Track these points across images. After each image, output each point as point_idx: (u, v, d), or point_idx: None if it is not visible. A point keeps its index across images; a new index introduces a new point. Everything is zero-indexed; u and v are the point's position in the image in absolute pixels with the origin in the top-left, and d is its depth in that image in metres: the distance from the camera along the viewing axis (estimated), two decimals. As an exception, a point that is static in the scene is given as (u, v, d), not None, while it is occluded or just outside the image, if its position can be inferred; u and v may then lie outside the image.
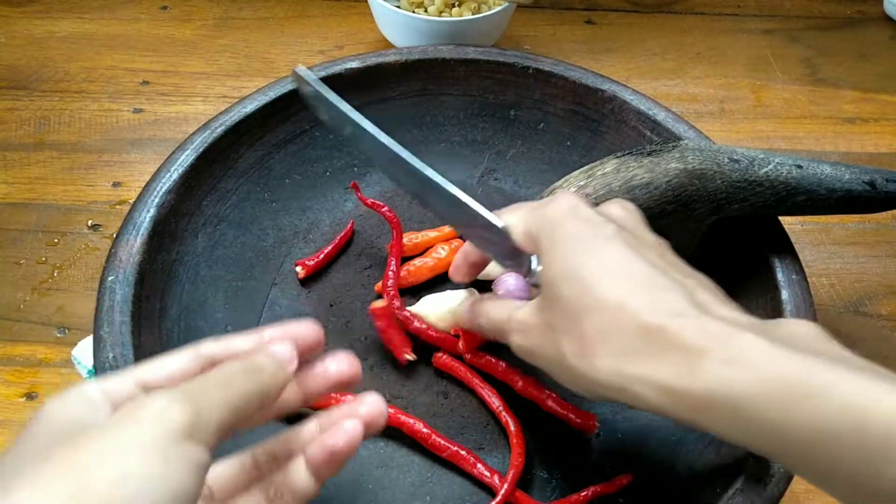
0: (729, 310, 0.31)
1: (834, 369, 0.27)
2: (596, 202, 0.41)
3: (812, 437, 0.26)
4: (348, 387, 0.32)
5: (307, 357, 0.31)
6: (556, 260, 0.33)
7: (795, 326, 0.30)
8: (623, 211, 0.37)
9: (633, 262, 0.32)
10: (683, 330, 0.29)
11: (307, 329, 0.31)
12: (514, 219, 0.37)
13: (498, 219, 0.37)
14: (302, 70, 0.40)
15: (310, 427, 0.32)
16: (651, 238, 0.36)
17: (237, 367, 0.27)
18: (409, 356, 0.44)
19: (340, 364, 0.32)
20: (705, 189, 0.42)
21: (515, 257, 0.37)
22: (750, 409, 0.27)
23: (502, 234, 0.36)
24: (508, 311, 0.36)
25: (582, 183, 0.42)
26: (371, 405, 0.31)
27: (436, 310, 0.45)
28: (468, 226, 0.38)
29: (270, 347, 0.30)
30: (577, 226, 0.34)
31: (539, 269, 0.35)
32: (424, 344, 0.45)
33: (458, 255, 0.41)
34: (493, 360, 0.44)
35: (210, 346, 0.29)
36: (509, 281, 0.41)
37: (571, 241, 0.33)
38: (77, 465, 0.22)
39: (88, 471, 0.21)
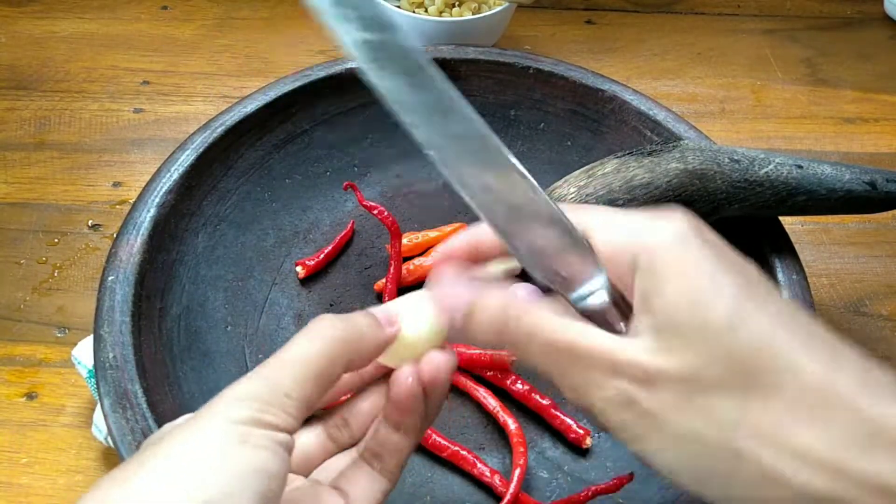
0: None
1: None
2: (597, 202, 0.41)
3: None
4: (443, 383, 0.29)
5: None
6: (683, 287, 0.23)
7: None
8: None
9: (805, 321, 0.24)
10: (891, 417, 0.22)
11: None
12: (592, 220, 0.27)
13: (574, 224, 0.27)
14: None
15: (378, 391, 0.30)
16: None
17: (320, 329, 0.27)
18: None
19: (442, 356, 0.28)
20: (706, 189, 0.42)
21: (572, 278, 0.26)
22: None
23: (579, 246, 0.26)
24: (590, 339, 0.25)
25: (582, 183, 0.42)
26: (430, 358, 0.28)
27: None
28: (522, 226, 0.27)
29: (373, 309, 0.28)
30: (707, 250, 0.24)
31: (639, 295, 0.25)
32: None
33: (454, 240, 0.30)
34: (487, 358, 0.44)
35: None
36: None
37: (706, 269, 0.24)
38: (157, 469, 0.22)
39: (169, 469, 0.22)
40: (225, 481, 0.22)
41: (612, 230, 0.26)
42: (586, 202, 0.41)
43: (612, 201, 0.41)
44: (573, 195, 0.42)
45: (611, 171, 0.42)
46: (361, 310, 0.29)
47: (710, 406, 0.22)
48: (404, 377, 0.28)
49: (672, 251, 0.24)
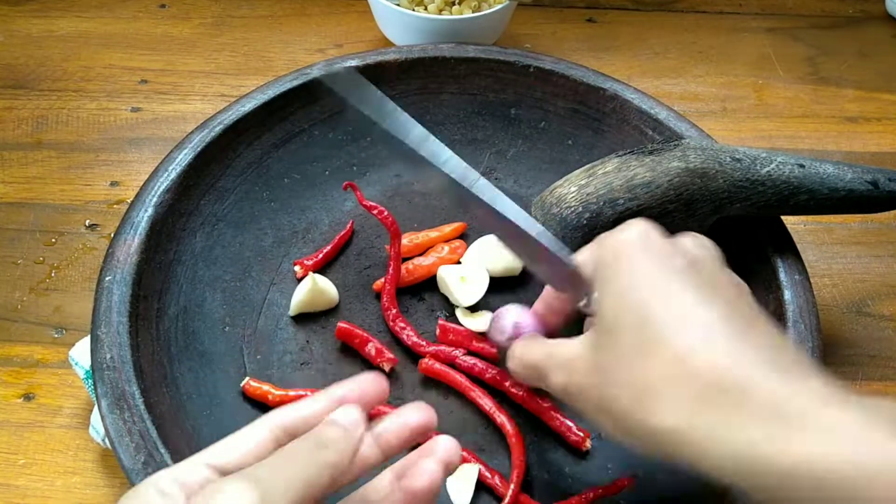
0: (816, 374, 0.27)
1: None
2: (598, 201, 0.41)
3: None
4: (426, 435, 0.31)
5: (372, 408, 0.31)
6: (617, 293, 0.30)
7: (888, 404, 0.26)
8: (699, 248, 0.33)
9: (707, 306, 0.28)
10: (770, 390, 0.26)
11: (374, 383, 0.30)
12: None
13: (566, 254, 0.34)
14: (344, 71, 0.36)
15: (384, 477, 0.31)
16: (726, 279, 0.32)
17: (303, 446, 0.27)
18: (386, 365, 0.44)
19: (419, 413, 0.31)
20: (707, 188, 0.42)
21: (573, 286, 0.34)
22: (846, 490, 0.23)
23: (564, 263, 0.34)
24: (548, 349, 0.34)
25: (583, 182, 0.42)
26: (446, 445, 0.30)
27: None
28: (530, 254, 0.35)
29: (335, 413, 0.29)
30: (643, 257, 0.30)
31: (594, 298, 0.32)
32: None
33: (538, 305, 0.38)
34: (483, 365, 0.44)
35: (279, 416, 0.29)
36: (512, 313, 0.38)
37: (637, 274, 0.30)
38: None
39: None
40: None
41: (582, 254, 0.34)
42: (587, 201, 0.41)
43: (613, 200, 0.41)
44: (574, 194, 0.42)
45: (612, 169, 0.42)
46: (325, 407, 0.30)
47: (609, 385, 0.30)
48: (432, 467, 0.30)
49: (615, 263, 0.31)
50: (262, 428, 0.28)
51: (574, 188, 0.42)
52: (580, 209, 0.41)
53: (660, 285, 0.29)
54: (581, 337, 0.32)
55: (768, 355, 0.27)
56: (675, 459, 0.27)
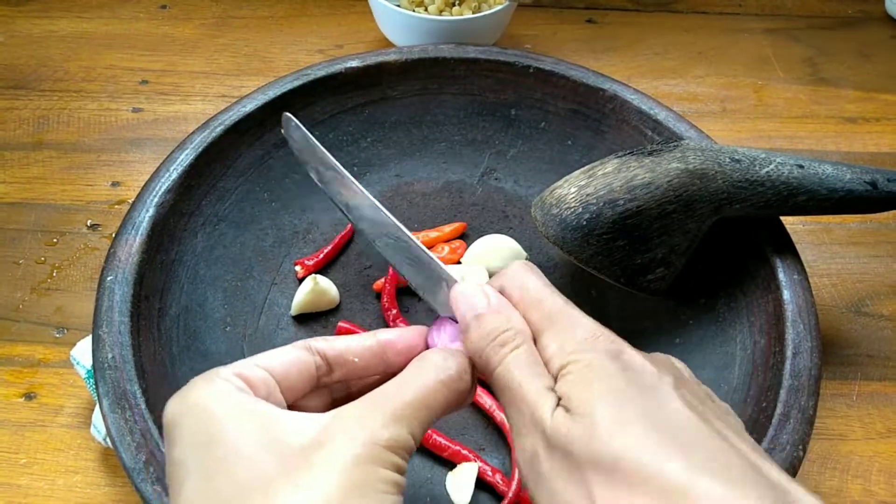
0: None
1: None
2: (598, 202, 0.41)
3: None
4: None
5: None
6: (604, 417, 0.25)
7: None
8: (673, 362, 0.29)
9: (688, 435, 0.24)
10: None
11: (419, 337, 0.31)
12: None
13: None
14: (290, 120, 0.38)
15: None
16: (710, 399, 0.28)
17: (442, 384, 0.27)
18: None
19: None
20: (706, 189, 0.42)
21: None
22: None
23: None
24: (533, 399, 0.27)
25: (583, 183, 0.42)
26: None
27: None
28: (440, 297, 0.33)
29: (461, 360, 0.29)
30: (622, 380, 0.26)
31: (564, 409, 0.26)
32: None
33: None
34: None
35: (320, 344, 0.29)
36: (447, 331, 0.35)
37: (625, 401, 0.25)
38: None
39: None
40: None
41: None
42: (587, 202, 0.41)
43: (612, 201, 0.41)
44: (573, 195, 0.42)
45: (611, 170, 0.42)
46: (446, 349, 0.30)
47: (580, 482, 0.24)
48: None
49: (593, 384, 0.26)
50: (302, 349, 0.29)
51: (574, 189, 0.42)
52: (580, 210, 0.41)
53: (636, 403, 0.25)
54: (554, 398, 0.27)
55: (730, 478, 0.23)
56: None
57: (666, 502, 0.22)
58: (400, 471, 0.25)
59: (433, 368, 0.28)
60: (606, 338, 0.27)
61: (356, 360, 0.30)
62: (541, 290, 0.29)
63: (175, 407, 0.25)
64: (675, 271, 0.44)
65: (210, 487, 0.23)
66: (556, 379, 0.27)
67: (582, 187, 0.42)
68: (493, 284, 0.31)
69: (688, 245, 0.43)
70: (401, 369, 0.29)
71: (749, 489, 0.22)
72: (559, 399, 0.26)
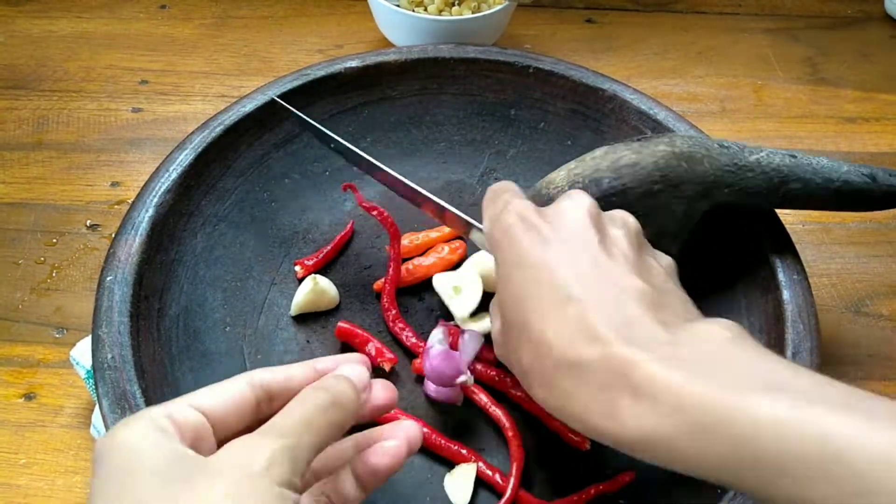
0: (652, 324, 0.29)
1: (731, 391, 0.25)
2: (584, 180, 0.41)
3: (731, 466, 0.25)
4: (386, 412, 0.34)
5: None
6: (502, 282, 0.33)
7: (707, 331, 0.28)
8: (613, 225, 0.34)
9: (561, 277, 0.30)
10: (593, 363, 0.28)
11: (354, 364, 0.32)
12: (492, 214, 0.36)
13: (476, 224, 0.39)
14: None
15: (347, 444, 0.33)
16: (634, 256, 0.33)
17: (324, 401, 0.28)
18: (386, 365, 0.44)
19: (386, 391, 0.33)
20: (693, 171, 0.41)
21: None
22: (672, 447, 0.26)
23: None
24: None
25: (572, 166, 0.42)
26: (409, 430, 0.32)
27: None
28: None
29: (347, 370, 0.31)
30: (518, 243, 0.32)
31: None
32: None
33: None
34: (483, 366, 0.44)
35: (261, 375, 0.29)
36: (435, 348, 0.42)
37: (513, 264, 0.32)
38: None
39: None
40: None
41: (490, 222, 0.36)
42: (574, 181, 0.42)
43: (598, 180, 0.41)
44: (563, 176, 0.42)
45: (599, 154, 0.42)
46: (334, 370, 0.32)
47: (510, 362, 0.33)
48: (394, 446, 0.32)
49: (501, 253, 0.34)
50: (243, 383, 0.29)
51: (563, 172, 0.42)
52: (566, 188, 0.41)
53: (530, 266, 0.31)
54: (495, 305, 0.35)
55: (606, 311, 0.29)
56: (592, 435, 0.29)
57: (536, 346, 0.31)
58: (293, 487, 0.25)
59: (312, 394, 0.29)
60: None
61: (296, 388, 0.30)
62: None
63: (100, 443, 0.26)
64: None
65: None
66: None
67: (571, 169, 0.42)
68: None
69: (676, 229, 0.43)
70: None
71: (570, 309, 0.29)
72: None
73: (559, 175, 0.42)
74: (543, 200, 0.42)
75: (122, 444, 0.25)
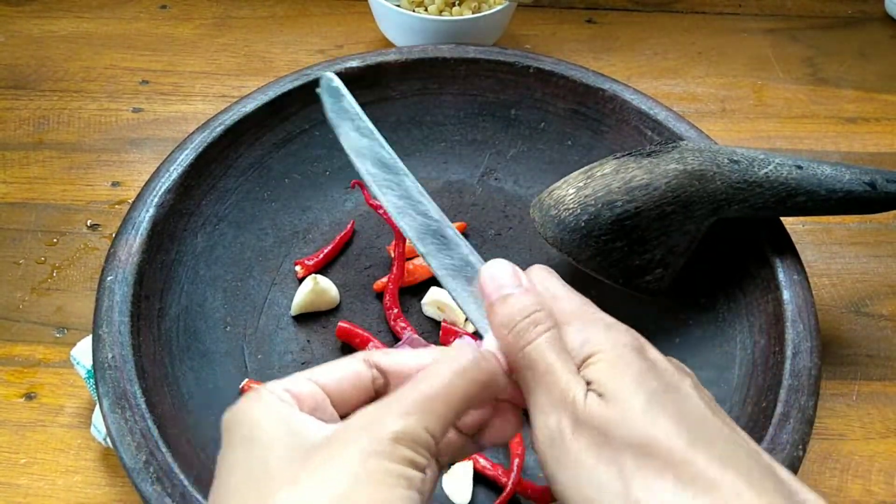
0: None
1: None
2: (596, 203, 0.41)
3: None
4: None
5: None
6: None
7: None
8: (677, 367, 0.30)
9: (713, 425, 0.27)
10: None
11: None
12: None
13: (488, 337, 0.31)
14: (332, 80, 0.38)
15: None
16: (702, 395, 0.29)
17: (456, 375, 0.27)
18: None
19: None
20: (705, 190, 0.42)
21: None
22: None
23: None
24: (564, 380, 0.28)
25: (581, 184, 0.42)
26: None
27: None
28: (466, 288, 0.34)
29: (480, 352, 0.29)
30: (639, 367, 0.28)
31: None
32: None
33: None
34: None
35: (379, 356, 0.29)
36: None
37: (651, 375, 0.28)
38: (328, 491, 0.23)
39: (338, 497, 0.23)
40: None
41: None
42: (585, 203, 0.41)
43: (611, 203, 0.41)
44: (572, 196, 0.42)
45: (609, 172, 0.42)
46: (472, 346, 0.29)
47: (612, 460, 0.26)
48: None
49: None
50: (359, 360, 0.29)
51: (572, 190, 0.42)
52: (578, 211, 0.41)
53: (668, 393, 0.27)
54: (584, 381, 0.28)
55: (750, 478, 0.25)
56: None
57: (694, 488, 0.24)
58: (415, 466, 0.25)
59: (447, 361, 0.27)
60: (630, 334, 0.29)
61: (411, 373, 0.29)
62: (562, 288, 0.31)
63: (227, 416, 0.27)
64: (674, 272, 0.44)
65: (243, 479, 0.25)
66: (579, 368, 0.28)
67: (580, 188, 0.42)
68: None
69: (686, 246, 0.43)
70: None
71: (767, 485, 0.25)
72: (588, 383, 0.28)
73: (567, 193, 0.42)
74: (553, 220, 0.42)
75: (245, 415, 0.26)
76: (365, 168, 0.36)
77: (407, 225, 0.34)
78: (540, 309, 0.29)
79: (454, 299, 0.33)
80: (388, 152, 0.36)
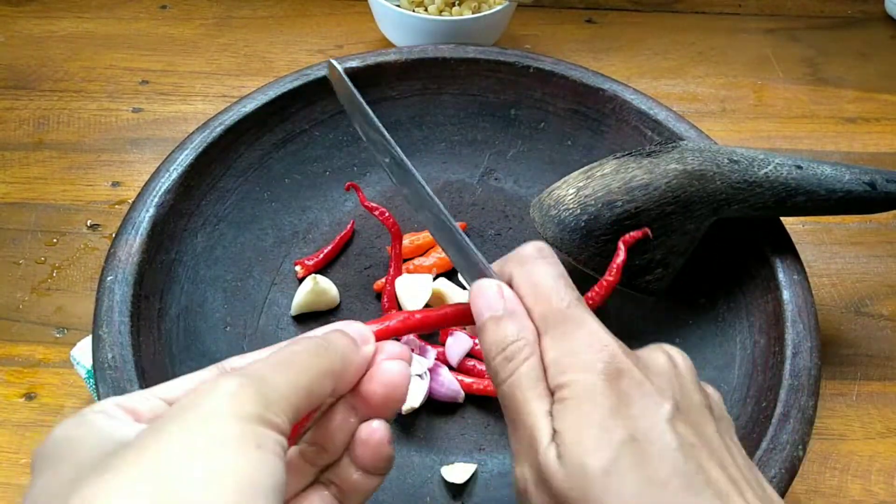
0: None
1: None
2: (596, 203, 0.41)
3: None
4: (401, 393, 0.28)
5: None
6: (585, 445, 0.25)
7: None
8: (675, 367, 0.28)
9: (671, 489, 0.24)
10: None
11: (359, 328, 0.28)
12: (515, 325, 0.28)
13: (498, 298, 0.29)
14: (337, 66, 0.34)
15: (339, 413, 0.27)
16: (701, 402, 0.27)
17: (307, 345, 0.25)
18: None
19: (398, 348, 0.28)
20: (704, 190, 0.42)
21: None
22: None
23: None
24: (538, 428, 0.26)
25: (581, 184, 0.42)
26: (386, 346, 0.27)
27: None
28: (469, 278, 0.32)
29: (342, 324, 0.27)
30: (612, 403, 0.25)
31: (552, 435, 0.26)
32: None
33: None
34: (483, 367, 0.44)
35: (235, 362, 0.26)
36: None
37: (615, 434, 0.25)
38: (154, 469, 0.19)
39: (171, 472, 0.19)
40: (241, 491, 0.19)
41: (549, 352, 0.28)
42: (585, 203, 0.41)
43: (611, 203, 0.41)
44: (572, 196, 0.42)
45: (609, 171, 0.42)
46: (336, 322, 0.28)
47: None
48: (380, 427, 0.26)
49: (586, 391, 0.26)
50: (213, 370, 0.26)
51: (572, 190, 0.42)
52: (578, 211, 0.41)
53: (633, 456, 0.25)
54: (554, 435, 0.26)
55: None
56: None
57: None
58: (263, 423, 0.21)
59: (295, 341, 0.25)
60: (606, 352, 0.26)
61: None
62: (550, 286, 0.29)
63: (36, 449, 0.22)
64: (674, 271, 0.44)
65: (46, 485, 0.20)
66: (553, 394, 0.27)
67: (580, 188, 0.42)
68: (505, 270, 0.30)
69: (686, 246, 0.43)
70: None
71: None
72: (554, 432, 0.26)
73: (567, 193, 0.42)
74: (553, 220, 0.42)
75: (54, 439, 0.21)
76: (381, 160, 0.33)
77: (423, 217, 0.32)
78: (518, 339, 0.28)
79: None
80: (395, 147, 0.33)
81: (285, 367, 0.23)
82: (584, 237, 0.41)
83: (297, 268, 0.49)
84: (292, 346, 0.25)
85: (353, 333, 0.27)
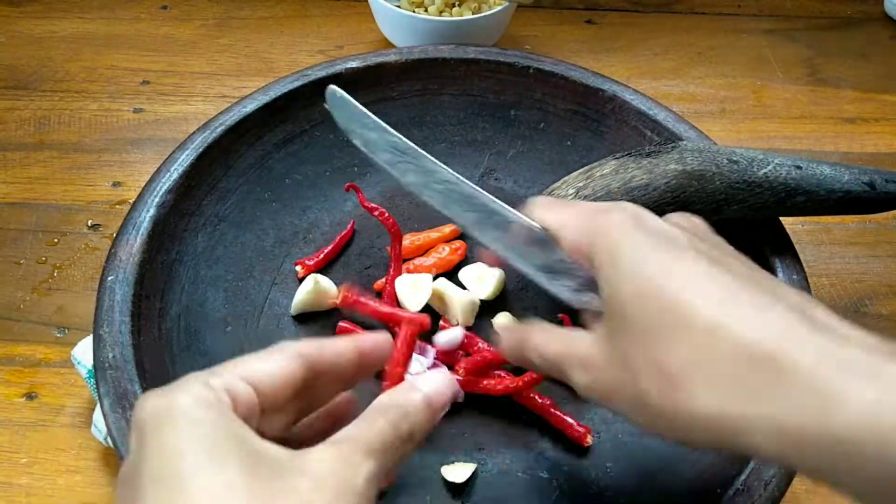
0: (848, 327, 0.25)
1: None
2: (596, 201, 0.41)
3: None
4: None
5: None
6: (624, 277, 0.28)
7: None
8: (690, 222, 0.32)
9: (719, 275, 0.27)
10: (803, 357, 0.23)
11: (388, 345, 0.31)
12: (557, 222, 0.33)
13: (535, 223, 0.33)
14: (336, 92, 0.39)
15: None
16: (730, 248, 0.31)
17: (415, 422, 0.28)
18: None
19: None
20: (704, 190, 0.42)
21: (561, 271, 0.33)
22: None
23: (545, 244, 0.33)
24: (566, 344, 0.31)
25: (581, 184, 0.42)
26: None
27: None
28: (498, 236, 0.35)
29: (427, 390, 0.29)
30: (644, 237, 0.29)
31: (597, 291, 0.30)
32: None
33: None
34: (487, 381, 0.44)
35: (312, 352, 0.28)
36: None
37: (641, 255, 0.28)
38: None
39: None
40: None
41: (573, 228, 0.32)
42: None
43: None
44: (572, 196, 0.42)
45: (609, 172, 0.42)
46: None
47: (634, 377, 0.27)
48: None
49: (615, 247, 0.29)
50: (295, 360, 0.27)
51: (572, 191, 0.42)
52: None
53: (668, 261, 0.27)
54: (595, 330, 0.30)
55: (788, 311, 0.25)
56: (722, 446, 0.25)
57: (702, 338, 0.25)
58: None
59: (393, 415, 0.28)
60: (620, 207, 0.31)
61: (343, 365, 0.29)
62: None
63: (147, 410, 0.24)
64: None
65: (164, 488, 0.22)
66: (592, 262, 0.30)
67: (580, 189, 0.42)
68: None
69: None
70: (371, 373, 0.31)
71: (778, 306, 0.25)
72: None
73: (567, 194, 0.42)
74: None
75: (177, 416, 0.23)
76: (381, 159, 0.38)
77: (430, 198, 0.37)
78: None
79: (490, 248, 0.36)
80: (398, 137, 0.38)
81: (393, 452, 0.26)
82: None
83: (298, 268, 0.49)
84: (392, 423, 0.27)
85: (435, 399, 0.29)
